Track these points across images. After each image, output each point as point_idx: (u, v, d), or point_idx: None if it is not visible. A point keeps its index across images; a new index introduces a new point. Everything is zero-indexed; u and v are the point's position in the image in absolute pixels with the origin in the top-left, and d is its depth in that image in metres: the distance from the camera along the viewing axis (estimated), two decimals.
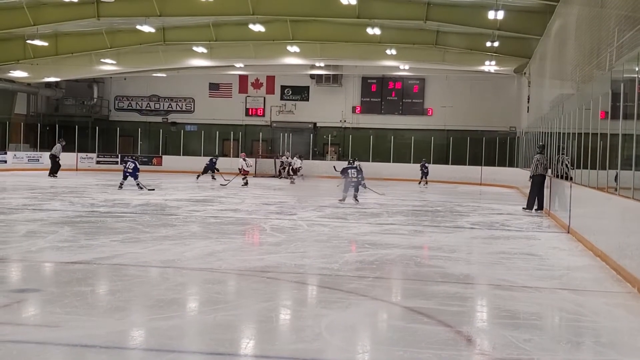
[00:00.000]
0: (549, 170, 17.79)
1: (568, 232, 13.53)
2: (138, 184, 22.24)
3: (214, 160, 30.71)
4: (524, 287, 8.04)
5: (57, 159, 30.07)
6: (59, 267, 8.62)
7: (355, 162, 30.60)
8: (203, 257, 9.59)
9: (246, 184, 26.95)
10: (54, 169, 29.84)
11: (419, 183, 31.60)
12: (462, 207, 19.40)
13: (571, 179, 14.68)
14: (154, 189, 22.38)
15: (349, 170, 19.49)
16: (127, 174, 22.57)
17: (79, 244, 10.37)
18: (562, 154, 16.38)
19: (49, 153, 31.25)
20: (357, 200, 19.26)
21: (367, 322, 6.48)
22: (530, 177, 18.22)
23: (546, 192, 17.70)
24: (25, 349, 5.20)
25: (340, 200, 19.26)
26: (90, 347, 5.26)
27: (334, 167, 25.62)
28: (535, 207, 18.13)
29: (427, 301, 7.12)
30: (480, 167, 35.45)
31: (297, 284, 8.18)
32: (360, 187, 19.59)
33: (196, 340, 5.70)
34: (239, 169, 27.58)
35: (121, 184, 22.62)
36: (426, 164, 32.12)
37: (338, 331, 5.99)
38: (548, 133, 19.51)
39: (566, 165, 15.72)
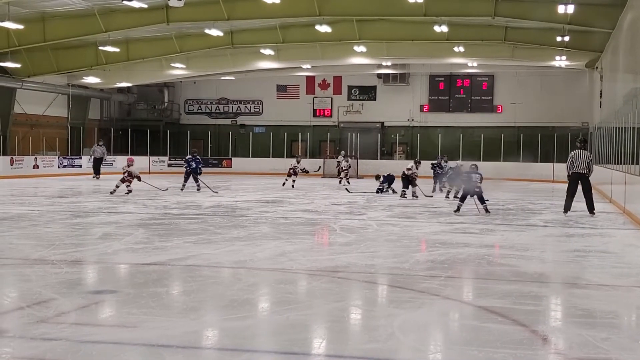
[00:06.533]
0: (583, 169, 16.07)
1: None
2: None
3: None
4: (599, 286, 7.89)
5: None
6: (134, 269, 8.80)
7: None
8: (274, 257, 9.66)
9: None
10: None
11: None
12: (534, 205, 19.10)
13: None
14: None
15: None
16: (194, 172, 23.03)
17: (153, 245, 10.57)
18: None
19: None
20: None
21: (440, 322, 6.44)
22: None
23: (621, 188, 17.26)
24: (104, 349, 5.31)
25: None
26: (166, 347, 5.35)
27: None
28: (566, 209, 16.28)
29: (501, 300, 7.03)
30: (552, 163, 34.79)
31: (368, 284, 8.17)
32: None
33: (270, 340, 5.76)
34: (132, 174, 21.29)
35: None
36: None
37: (411, 331, 5.97)
38: (622, 128, 19.05)
39: None
